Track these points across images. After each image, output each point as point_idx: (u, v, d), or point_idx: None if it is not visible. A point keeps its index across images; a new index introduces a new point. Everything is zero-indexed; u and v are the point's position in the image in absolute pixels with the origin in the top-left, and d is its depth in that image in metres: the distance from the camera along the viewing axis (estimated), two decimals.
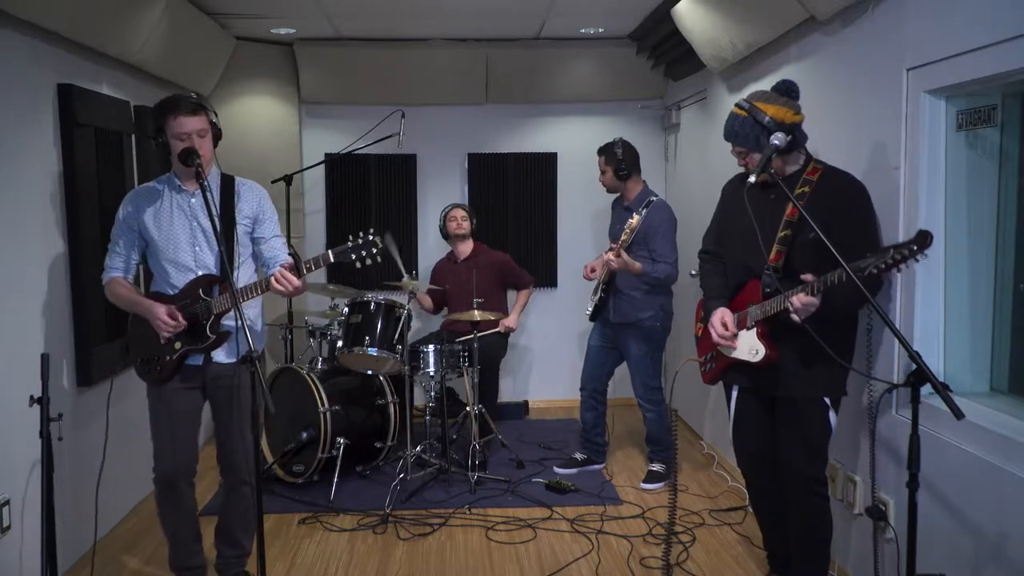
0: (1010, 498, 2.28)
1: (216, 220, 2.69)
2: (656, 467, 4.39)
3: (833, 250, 2.26)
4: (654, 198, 4.18)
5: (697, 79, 5.04)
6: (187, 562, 3.12)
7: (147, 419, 3.05)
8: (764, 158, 2.56)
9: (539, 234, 5.96)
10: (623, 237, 4.01)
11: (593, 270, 4.27)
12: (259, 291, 2.87)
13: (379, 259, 2.79)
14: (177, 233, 2.94)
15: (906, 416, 2.29)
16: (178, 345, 2.94)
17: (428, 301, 5.23)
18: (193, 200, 2.96)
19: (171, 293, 2.95)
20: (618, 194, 4.39)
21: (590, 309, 4.39)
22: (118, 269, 2.99)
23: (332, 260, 2.78)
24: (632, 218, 4.02)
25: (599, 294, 4.31)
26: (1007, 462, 2.30)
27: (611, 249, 4.03)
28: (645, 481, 4.35)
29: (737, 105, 2.72)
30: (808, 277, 2.46)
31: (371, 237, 2.78)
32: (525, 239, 5.92)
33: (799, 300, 2.46)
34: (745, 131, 2.66)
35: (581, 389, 4.53)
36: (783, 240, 2.64)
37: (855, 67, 3.09)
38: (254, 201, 3.07)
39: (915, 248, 2.15)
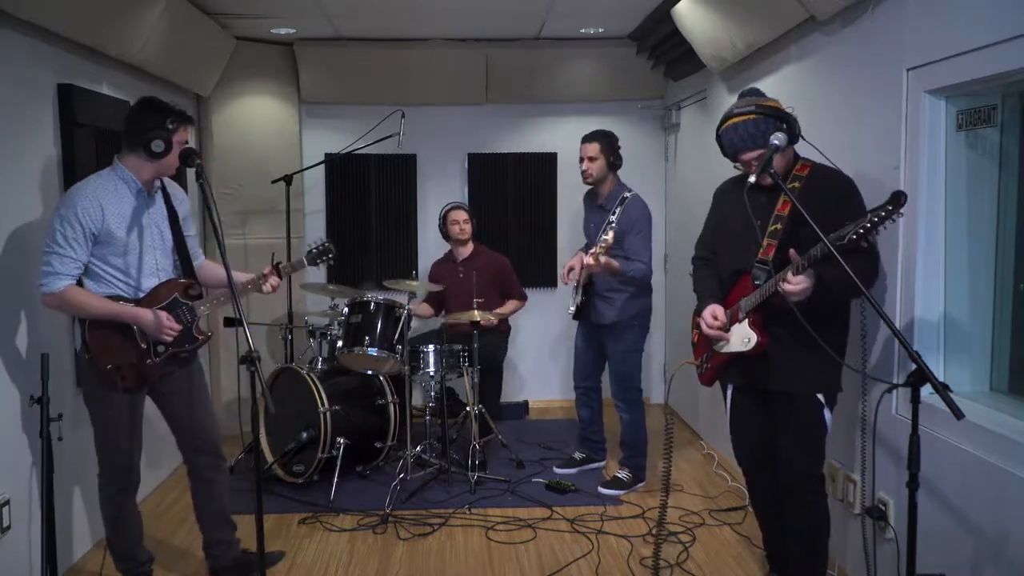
0: (1010, 498, 2.28)
1: (218, 221, 2.68)
2: (622, 474, 4.27)
3: (824, 237, 2.28)
4: (627, 194, 4.09)
5: (697, 79, 5.04)
6: (142, 556, 3.15)
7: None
8: (765, 159, 2.54)
9: (539, 234, 5.96)
10: (602, 244, 3.77)
11: (571, 269, 4.12)
12: (247, 292, 3.07)
13: (332, 262, 3.51)
14: (143, 236, 2.93)
15: (906, 416, 2.29)
16: (161, 349, 2.93)
17: (426, 309, 5.21)
18: (152, 202, 2.97)
19: (128, 296, 2.90)
20: (593, 188, 4.27)
21: (572, 308, 4.32)
22: (72, 276, 2.79)
23: (306, 265, 3.32)
24: (609, 228, 3.83)
25: (580, 296, 4.25)
26: (1007, 462, 2.30)
27: (590, 251, 3.91)
28: (603, 485, 4.24)
29: (737, 114, 2.65)
30: (792, 254, 2.47)
31: (326, 244, 3.43)
32: (525, 239, 5.91)
33: (789, 281, 2.46)
34: (760, 129, 2.60)
35: (575, 388, 4.52)
36: (773, 234, 2.65)
37: (855, 67, 3.09)
38: (185, 201, 3.16)
39: (891, 208, 2.19)
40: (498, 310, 4.97)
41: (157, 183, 3.00)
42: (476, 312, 4.36)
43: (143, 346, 2.91)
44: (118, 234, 2.85)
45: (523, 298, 5.17)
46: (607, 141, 4.18)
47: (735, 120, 2.65)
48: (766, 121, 2.60)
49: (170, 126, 2.85)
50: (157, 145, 2.83)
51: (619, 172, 4.25)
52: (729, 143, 2.70)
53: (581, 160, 4.21)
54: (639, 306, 4.17)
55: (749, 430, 2.94)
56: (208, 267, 3.29)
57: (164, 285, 2.97)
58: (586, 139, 4.22)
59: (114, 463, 2.98)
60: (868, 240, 2.24)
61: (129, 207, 2.89)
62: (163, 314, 2.88)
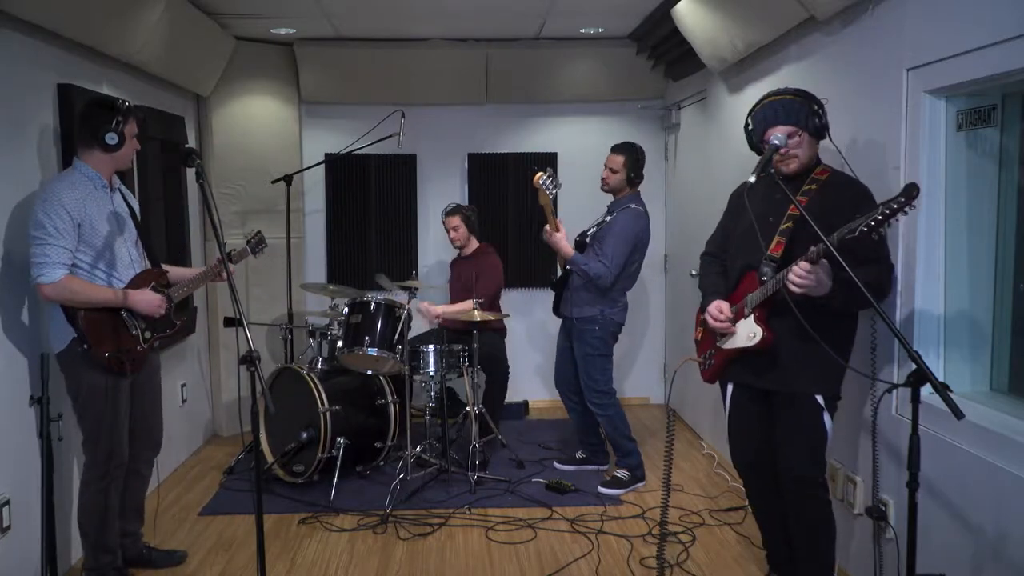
0: (1010, 498, 2.28)
1: (218, 221, 2.70)
2: (620, 474, 4.26)
3: (822, 235, 2.30)
4: (632, 205, 4.15)
5: (697, 79, 5.04)
6: (116, 541, 3.21)
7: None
8: (764, 159, 2.60)
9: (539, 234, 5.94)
10: (547, 211, 4.12)
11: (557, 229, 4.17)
12: (206, 280, 3.35)
13: (263, 252, 3.72)
14: (117, 228, 3.07)
15: (906, 416, 2.29)
16: (147, 335, 3.09)
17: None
18: (114, 198, 3.10)
19: (111, 287, 3.04)
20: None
21: (556, 276, 4.44)
22: (66, 265, 2.85)
23: (249, 254, 3.61)
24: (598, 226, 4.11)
25: (560, 272, 4.36)
26: (1007, 462, 2.30)
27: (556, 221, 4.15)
28: (603, 485, 4.24)
29: (775, 94, 2.76)
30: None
31: (259, 234, 3.70)
32: (525, 239, 5.91)
33: (795, 271, 2.46)
34: (795, 108, 2.70)
35: (559, 393, 4.51)
36: (783, 232, 2.67)
37: (855, 67, 3.09)
38: (135, 201, 3.31)
39: (903, 200, 2.18)
40: (447, 307, 4.76)
41: (116, 181, 3.14)
42: (476, 312, 4.36)
43: (133, 332, 3.04)
44: (98, 226, 2.97)
45: (481, 299, 4.55)
46: (632, 157, 4.18)
47: (773, 99, 2.75)
48: (800, 104, 2.70)
49: (119, 119, 2.97)
50: (111, 138, 2.95)
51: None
52: (763, 118, 2.76)
53: (605, 166, 4.25)
54: (596, 311, 4.16)
55: (748, 431, 2.93)
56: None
57: (140, 275, 3.12)
58: (614, 149, 4.25)
59: (109, 451, 3.02)
60: (879, 233, 2.24)
61: (100, 202, 3.01)
62: (149, 292, 3.07)
